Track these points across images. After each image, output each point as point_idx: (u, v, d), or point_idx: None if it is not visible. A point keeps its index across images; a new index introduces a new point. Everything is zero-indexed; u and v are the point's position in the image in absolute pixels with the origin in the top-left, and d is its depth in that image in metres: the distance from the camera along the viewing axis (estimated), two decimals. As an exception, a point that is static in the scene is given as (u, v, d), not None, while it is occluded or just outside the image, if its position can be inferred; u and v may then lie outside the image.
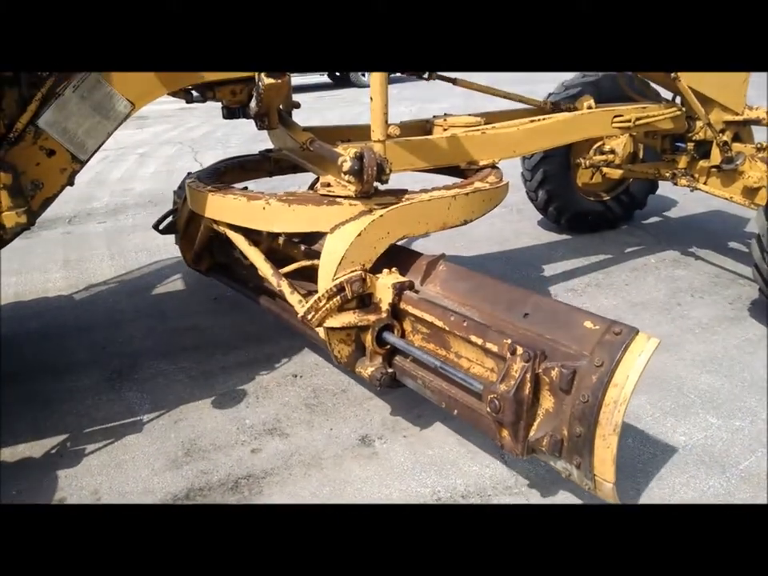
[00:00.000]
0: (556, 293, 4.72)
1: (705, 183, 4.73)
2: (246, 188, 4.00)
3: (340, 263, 2.73)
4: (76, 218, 6.95)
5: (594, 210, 5.88)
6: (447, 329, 2.56)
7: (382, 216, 2.81)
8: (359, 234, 2.74)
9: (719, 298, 4.54)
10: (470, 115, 3.95)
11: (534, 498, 2.72)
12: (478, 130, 3.66)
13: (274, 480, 2.87)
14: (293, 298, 2.93)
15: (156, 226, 4.33)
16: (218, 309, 4.57)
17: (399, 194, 3.01)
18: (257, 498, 2.77)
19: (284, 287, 3.00)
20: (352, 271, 2.75)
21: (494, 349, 2.36)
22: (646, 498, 2.70)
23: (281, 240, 3.51)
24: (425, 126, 3.97)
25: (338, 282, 2.73)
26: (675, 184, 4.83)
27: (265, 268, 3.13)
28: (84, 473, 2.94)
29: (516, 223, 6.35)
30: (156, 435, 3.21)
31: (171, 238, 6.00)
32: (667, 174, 4.85)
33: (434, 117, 4.01)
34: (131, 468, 2.97)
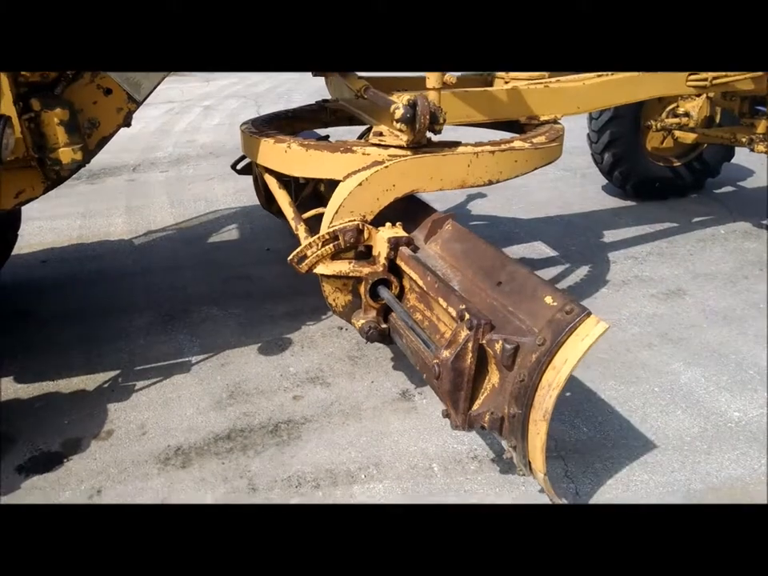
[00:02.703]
0: (615, 259, 4.55)
1: (785, 150, 4.43)
2: (327, 136, 3.97)
3: (337, 211, 2.71)
4: (140, 166, 7.11)
5: (662, 176, 5.61)
6: (425, 289, 2.48)
7: (387, 168, 2.72)
8: (360, 184, 2.69)
9: (791, 274, 4.29)
10: (534, 69, 3.79)
11: (573, 463, 2.66)
12: (541, 83, 3.51)
13: (313, 427, 2.90)
14: (305, 243, 2.90)
15: (234, 166, 4.35)
16: (270, 259, 4.61)
17: (452, 146, 2.92)
18: (295, 442, 2.81)
19: (300, 231, 2.97)
20: (350, 221, 2.72)
21: (453, 314, 2.24)
22: (690, 473, 2.60)
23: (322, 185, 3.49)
24: (486, 79, 3.85)
25: (331, 230, 2.71)
26: (752, 150, 4.53)
27: (288, 211, 3.14)
28: (132, 408, 3.04)
29: (579, 187, 6.14)
30: (203, 376, 3.28)
31: (229, 188, 6.14)
32: (744, 140, 4.55)
33: (497, 69, 3.87)
34: (177, 406, 3.06)
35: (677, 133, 5.23)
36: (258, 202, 4.47)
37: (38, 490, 2.57)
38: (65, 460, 2.72)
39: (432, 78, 2.81)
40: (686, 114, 4.97)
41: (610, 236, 5.01)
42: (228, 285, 4.26)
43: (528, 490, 2.53)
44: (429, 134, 2.83)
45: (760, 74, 4.19)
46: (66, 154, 2.50)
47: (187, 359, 3.42)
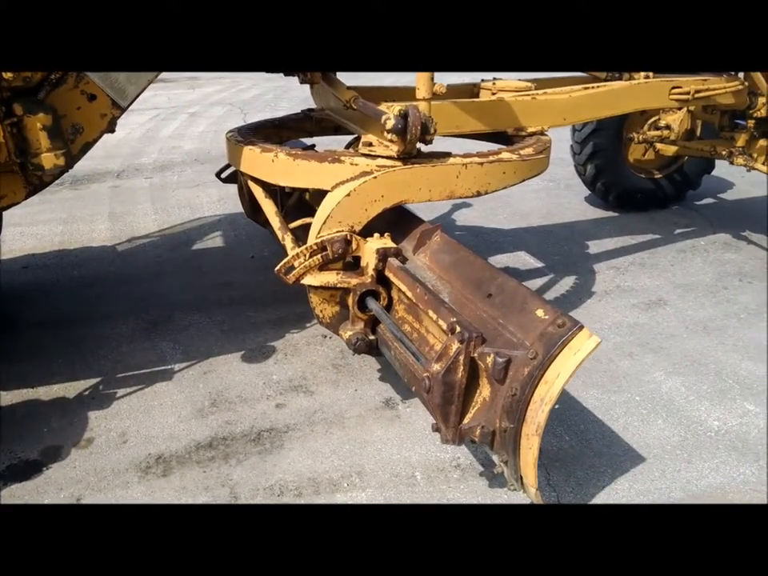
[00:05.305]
0: (597, 270, 4.60)
1: (763, 164, 4.50)
2: (313, 146, 3.96)
3: (325, 222, 2.71)
4: (124, 172, 7.06)
5: (644, 187, 5.68)
6: (414, 300, 2.47)
7: (375, 178, 2.72)
8: (348, 195, 2.69)
9: (770, 285, 4.36)
10: (520, 80, 3.82)
11: (555, 472, 2.67)
12: (528, 94, 3.54)
13: (296, 435, 2.89)
14: (292, 253, 2.88)
15: (218, 174, 4.32)
16: (254, 267, 4.60)
17: (442, 157, 2.93)
18: (277, 451, 2.79)
19: (287, 241, 2.96)
20: (338, 231, 2.71)
21: (444, 326, 2.22)
22: (671, 481, 2.62)
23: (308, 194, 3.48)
24: (472, 90, 3.87)
25: (319, 240, 2.71)
26: (731, 163, 4.61)
27: (274, 221, 3.13)
28: (113, 415, 3.01)
29: (562, 198, 6.19)
30: (185, 384, 3.26)
31: (214, 195, 6.12)
32: (723, 152, 4.63)
33: (482, 80, 3.90)
34: (159, 414, 3.03)
35: (658, 145, 5.31)
36: (242, 209, 4.46)
37: (16, 499, 2.53)
38: (44, 468, 2.69)
39: (422, 89, 2.81)
40: (668, 127, 5.04)
41: (592, 246, 5.06)
42: (212, 292, 4.23)
43: (510, 498, 2.53)
44: (419, 145, 2.84)
45: (740, 87, 4.27)
46: (49, 160, 2.48)
47: (170, 367, 3.40)
